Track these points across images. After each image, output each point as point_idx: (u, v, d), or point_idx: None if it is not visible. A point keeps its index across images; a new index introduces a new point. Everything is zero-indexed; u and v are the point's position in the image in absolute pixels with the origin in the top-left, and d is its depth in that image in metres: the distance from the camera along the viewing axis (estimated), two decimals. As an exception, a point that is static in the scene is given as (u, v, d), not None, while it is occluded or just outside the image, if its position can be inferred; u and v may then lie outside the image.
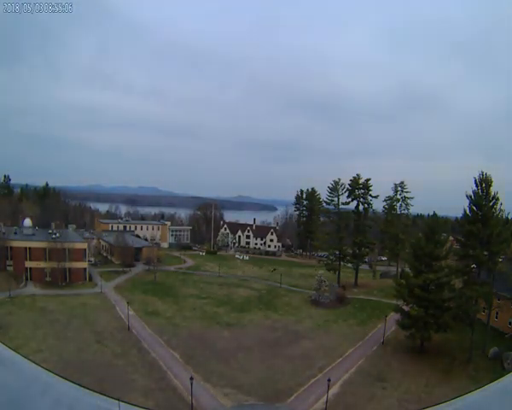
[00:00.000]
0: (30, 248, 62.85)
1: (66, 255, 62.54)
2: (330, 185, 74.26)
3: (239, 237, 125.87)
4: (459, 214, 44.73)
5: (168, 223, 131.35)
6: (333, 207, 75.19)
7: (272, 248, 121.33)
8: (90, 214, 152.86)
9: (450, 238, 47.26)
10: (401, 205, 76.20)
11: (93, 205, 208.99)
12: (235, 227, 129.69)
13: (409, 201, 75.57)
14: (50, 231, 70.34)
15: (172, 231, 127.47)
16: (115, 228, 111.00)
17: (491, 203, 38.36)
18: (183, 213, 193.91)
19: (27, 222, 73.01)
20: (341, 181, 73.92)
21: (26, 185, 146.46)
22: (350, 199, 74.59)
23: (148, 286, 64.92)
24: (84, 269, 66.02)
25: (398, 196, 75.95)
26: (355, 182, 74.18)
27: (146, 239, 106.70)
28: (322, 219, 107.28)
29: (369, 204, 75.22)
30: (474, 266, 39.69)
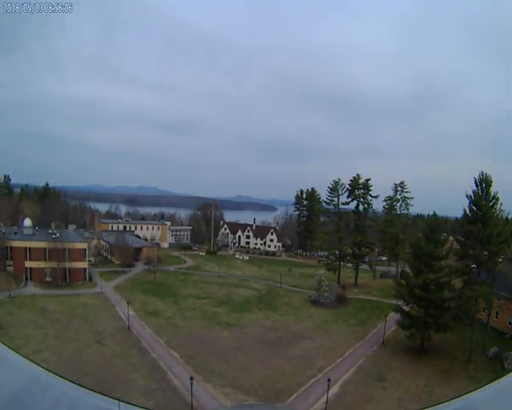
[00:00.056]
0: (30, 248, 62.90)
1: (66, 255, 62.59)
2: (330, 185, 74.34)
3: (239, 237, 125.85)
4: (459, 214, 44.82)
5: (168, 223, 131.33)
6: (333, 207, 75.23)
7: (272, 248, 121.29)
8: (90, 214, 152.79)
9: (450, 238, 47.22)
10: (401, 205, 76.26)
11: (93, 205, 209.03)
12: (235, 227, 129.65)
13: (409, 201, 75.63)
14: (50, 231, 70.32)
15: (172, 231, 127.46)
16: (115, 228, 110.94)
17: (491, 203, 38.40)
18: (183, 213, 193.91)
19: (27, 222, 73.02)
20: (341, 181, 74.12)
21: (26, 185, 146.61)
22: (350, 199, 74.67)
23: (148, 286, 64.93)
24: (84, 269, 66.06)
25: (398, 196, 75.98)
26: (355, 182, 74.22)
27: (146, 239, 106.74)
28: (322, 219, 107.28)
29: (369, 204, 75.29)
30: (473, 266, 39.71)
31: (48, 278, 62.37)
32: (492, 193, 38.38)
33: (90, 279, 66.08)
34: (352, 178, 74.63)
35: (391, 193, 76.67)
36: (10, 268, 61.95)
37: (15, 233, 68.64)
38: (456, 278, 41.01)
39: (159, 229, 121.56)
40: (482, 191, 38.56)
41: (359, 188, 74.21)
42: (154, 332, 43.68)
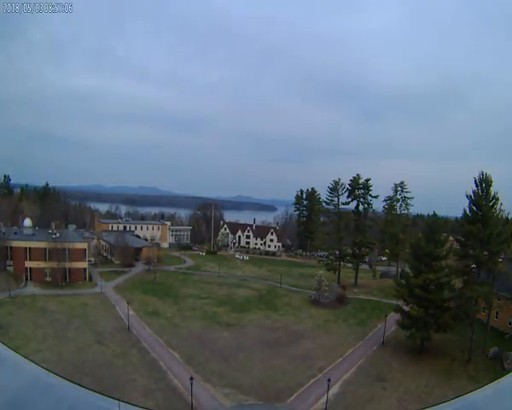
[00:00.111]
0: (30, 248, 62.88)
1: (66, 255, 62.58)
2: (330, 185, 74.35)
3: (239, 237, 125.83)
4: (459, 214, 44.83)
5: (168, 223, 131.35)
6: (333, 207, 75.24)
7: (272, 248, 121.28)
8: (90, 214, 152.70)
9: (450, 238, 47.23)
10: (401, 205, 76.25)
11: (93, 205, 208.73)
12: (235, 227, 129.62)
13: (409, 201, 75.62)
14: (50, 231, 70.30)
15: (172, 231, 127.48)
16: (115, 228, 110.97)
17: (491, 203, 38.39)
18: (183, 213, 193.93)
19: (27, 222, 73.00)
20: (341, 181, 74.13)
21: (26, 185, 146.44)
22: (350, 199, 74.69)
23: (147, 286, 64.93)
24: (84, 269, 66.05)
25: (398, 196, 75.97)
26: (355, 182, 74.23)
27: (146, 239, 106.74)
28: (322, 219, 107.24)
29: (369, 204, 75.32)
30: (474, 266, 39.71)
31: (48, 278, 62.35)
32: (492, 193, 38.38)
33: (90, 279, 66.07)
34: (351, 178, 74.67)
35: (391, 193, 76.76)
36: (10, 268, 61.95)
37: (15, 233, 68.64)
38: (456, 278, 41.00)
39: (159, 229, 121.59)
40: (482, 191, 38.56)
41: (359, 188, 74.23)
42: (154, 332, 43.68)
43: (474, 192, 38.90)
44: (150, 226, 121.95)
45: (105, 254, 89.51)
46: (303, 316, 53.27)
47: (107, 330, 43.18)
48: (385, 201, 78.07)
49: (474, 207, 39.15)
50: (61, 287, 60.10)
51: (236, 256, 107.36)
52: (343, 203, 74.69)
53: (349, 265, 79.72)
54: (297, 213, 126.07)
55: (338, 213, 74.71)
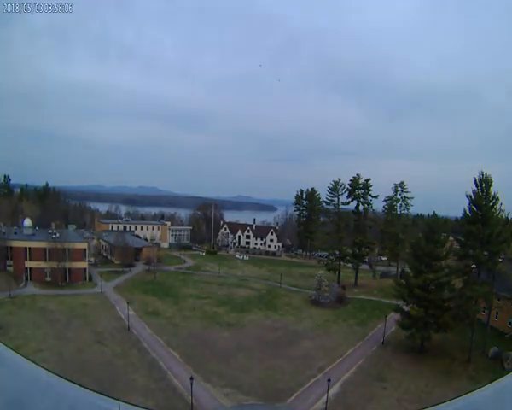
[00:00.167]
0: (30, 248, 62.91)
1: (66, 255, 62.58)
2: (330, 185, 74.37)
3: (239, 237, 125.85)
4: (459, 214, 44.85)
5: (168, 223, 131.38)
6: (333, 207, 75.26)
7: (272, 249, 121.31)
8: (90, 214, 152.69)
9: (450, 238, 47.24)
10: (401, 205, 76.29)
11: (93, 205, 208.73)
12: (235, 227, 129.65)
13: (409, 201, 75.68)
14: (50, 231, 70.35)
15: (172, 231, 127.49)
16: (115, 228, 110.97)
17: (491, 203, 38.41)
18: (183, 213, 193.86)
19: (27, 222, 72.99)
20: (341, 181, 74.16)
21: (26, 185, 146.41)
22: (350, 199, 74.71)
23: (147, 286, 64.93)
24: (84, 269, 66.06)
25: (398, 196, 76.02)
26: (355, 182, 74.25)
27: (146, 239, 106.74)
28: (322, 219, 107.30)
29: (369, 204, 75.32)
30: (474, 266, 39.74)
31: (48, 278, 62.36)
32: (492, 193, 38.40)
33: (90, 279, 66.08)
34: (351, 178, 74.68)
35: (391, 193, 76.80)
36: (10, 268, 61.97)
37: (15, 233, 68.64)
38: (456, 278, 41.00)
39: (159, 229, 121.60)
40: (482, 191, 38.58)
41: (359, 188, 74.24)
42: (154, 332, 43.68)
43: (474, 192, 38.92)
44: (150, 226, 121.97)
45: (105, 254, 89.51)
46: (303, 316, 53.27)
47: (107, 330, 43.18)
48: (385, 201, 78.21)
49: (474, 207, 39.17)
50: (61, 287, 60.11)
51: (236, 256, 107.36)
52: (343, 203, 74.76)
53: (349, 265, 79.72)
54: (297, 213, 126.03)
55: (338, 213, 74.73)
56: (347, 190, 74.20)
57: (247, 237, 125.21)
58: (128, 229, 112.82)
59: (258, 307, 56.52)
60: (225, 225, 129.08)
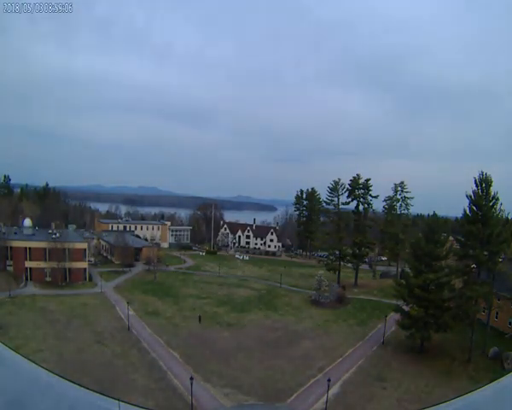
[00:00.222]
0: (30, 248, 62.90)
1: (66, 255, 62.58)
2: (330, 185, 74.37)
3: (239, 237, 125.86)
4: (459, 214, 44.84)
5: (168, 223, 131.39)
6: (333, 207, 75.26)
7: (272, 248, 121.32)
8: (90, 214, 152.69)
9: (450, 238, 47.23)
10: (401, 205, 76.28)
11: (93, 205, 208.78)
12: (235, 227, 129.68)
13: (409, 201, 75.65)
14: (50, 231, 70.36)
15: (172, 231, 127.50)
16: (115, 228, 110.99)
17: (491, 203, 38.41)
18: (183, 213, 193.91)
19: (27, 222, 73.00)
20: (341, 181, 74.16)
21: (26, 185, 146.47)
22: (350, 199, 74.71)
23: (147, 286, 64.93)
24: (84, 269, 66.05)
25: (398, 196, 76.00)
26: (355, 182, 74.24)
27: (146, 239, 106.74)
28: (322, 219, 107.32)
29: (369, 204, 75.32)
30: (474, 266, 39.73)
31: (48, 278, 62.36)
32: (492, 193, 38.40)
33: (90, 279, 66.07)
34: (351, 178, 74.68)
35: (391, 193, 76.78)
36: (10, 268, 61.96)
37: (15, 233, 68.63)
38: (456, 278, 41.01)
39: (159, 229, 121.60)
40: (482, 191, 38.57)
41: (359, 188, 74.24)
42: (154, 332, 43.68)
43: (474, 192, 38.92)
44: (150, 226, 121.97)
45: (105, 254, 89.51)
46: (303, 316, 53.27)
47: (107, 330, 43.17)
48: (385, 201, 78.19)
49: (474, 207, 39.17)
50: (61, 287, 60.10)
51: (236, 256, 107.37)
52: (343, 203, 74.78)
53: (349, 265, 79.74)
54: (297, 213, 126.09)
55: (338, 213, 74.73)
56: (347, 190, 74.21)
57: (247, 237, 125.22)
58: (128, 229, 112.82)
59: (258, 307, 56.52)
60: (225, 225, 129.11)
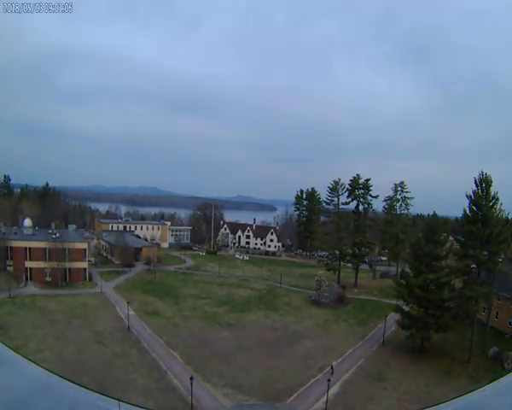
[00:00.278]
0: (30, 248, 62.89)
1: (66, 255, 62.59)
2: (330, 185, 74.35)
3: (239, 237, 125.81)
4: (459, 214, 44.83)
5: (168, 223, 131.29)
6: (333, 207, 75.24)
7: (272, 249, 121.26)
8: (90, 214, 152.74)
9: (450, 238, 47.24)
10: (401, 205, 76.27)
11: (93, 205, 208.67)
12: (235, 227, 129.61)
13: (409, 201, 75.65)
14: (50, 231, 70.38)
15: (172, 231, 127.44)
16: (115, 228, 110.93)
17: (491, 203, 38.41)
18: (183, 213, 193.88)
19: (27, 222, 73.04)
20: (341, 181, 74.17)
21: (26, 185, 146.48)
22: (350, 199, 74.69)
23: (147, 286, 64.92)
24: (84, 269, 66.04)
25: (398, 196, 76.00)
26: (355, 182, 74.23)
27: (146, 239, 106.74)
28: (322, 219, 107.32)
29: (369, 204, 75.32)
30: (474, 266, 39.73)
31: (48, 278, 62.35)
32: (492, 193, 38.40)
33: (90, 279, 66.06)
34: (352, 178, 74.67)
35: (391, 193, 76.79)
36: (10, 268, 61.96)
37: (15, 233, 68.64)
38: (456, 278, 41.02)
39: (159, 229, 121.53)
40: (482, 191, 38.58)
41: (359, 188, 74.23)
42: (154, 332, 43.67)
43: (474, 192, 38.92)
44: (150, 226, 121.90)
45: (105, 254, 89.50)
46: (303, 316, 53.27)
47: (107, 330, 43.17)
48: (385, 201, 78.19)
49: (474, 208, 39.17)
50: (61, 287, 60.10)
51: (236, 256, 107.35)
52: (343, 203, 74.74)
53: (349, 265, 79.71)
54: (297, 213, 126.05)
55: (338, 213, 74.70)
56: (347, 190, 74.19)
57: (247, 237, 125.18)
58: (128, 229, 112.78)
59: (258, 307, 56.51)
60: (225, 225, 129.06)
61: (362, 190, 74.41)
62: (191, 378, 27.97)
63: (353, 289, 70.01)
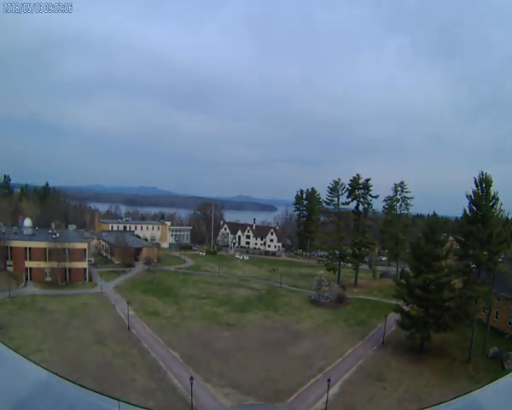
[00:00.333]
0: (30, 248, 62.91)
1: (66, 255, 62.56)
2: (330, 185, 74.37)
3: (239, 237, 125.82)
4: (459, 214, 44.86)
5: (168, 223, 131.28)
6: (333, 207, 75.25)
7: (272, 249, 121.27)
8: (90, 214, 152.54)
9: (450, 238, 47.26)
10: (401, 205, 76.28)
11: (93, 205, 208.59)
12: (235, 227, 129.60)
13: (409, 201, 75.64)
14: (50, 231, 70.40)
15: (172, 231, 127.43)
16: (115, 228, 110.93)
17: (491, 203, 38.43)
18: (183, 213, 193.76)
19: (27, 222, 73.01)
20: (341, 181, 74.19)
21: (26, 185, 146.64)
22: (350, 199, 74.70)
23: (147, 286, 64.92)
24: (84, 269, 66.04)
25: (398, 196, 76.00)
26: (355, 182, 74.25)
27: (146, 239, 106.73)
28: (322, 219, 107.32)
29: (369, 204, 75.33)
30: (473, 266, 39.75)
31: (48, 278, 62.35)
32: (492, 193, 38.43)
33: (90, 279, 66.06)
34: (351, 178, 74.69)
35: (391, 193, 76.79)
36: (10, 268, 61.98)
37: (15, 233, 68.64)
38: (456, 278, 41.05)
39: (159, 229, 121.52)
40: (482, 191, 38.60)
41: (359, 188, 74.24)
42: (154, 332, 43.67)
43: (474, 192, 38.94)
44: (150, 226, 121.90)
45: (105, 254, 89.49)
46: (303, 316, 53.27)
47: (107, 330, 43.18)
48: (385, 201, 78.21)
49: (474, 208, 39.20)
50: (61, 287, 60.10)
51: (236, 256, 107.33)
52: (343, 203, 74.74)
53: (349, 265, 79.69)
54: (297, 213, 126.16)
55: (338, 213, 74.69)
56: (347, 190, 74.20)
57: (247, 237, 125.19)
58: (128, 229, 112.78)
59: (258, 307, 56.51)
60: (225, 225, 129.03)
61: (362, 190, 74.43)
62: (191, 378, 27.98)
63: (353, 289, 70.01)
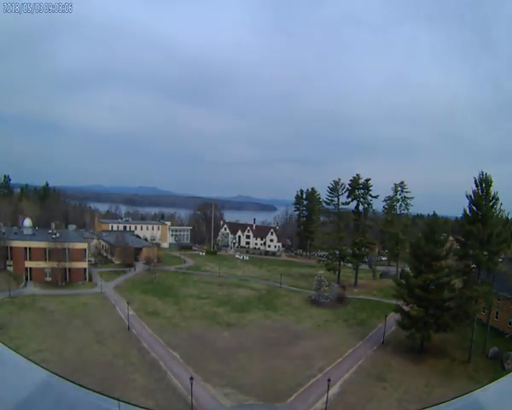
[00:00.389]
0: (30, 248, 62.92)
1: (66, 255, 62.57)
2: (330, 185, 74.38)
3: (239, 237, 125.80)
4: (459, 214, 44.87)
5: (168, 223, 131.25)
6: (333, 207, 75.25)
7: (272, 249, 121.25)
8: (90, 214, 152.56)
9: (450, 238, 47.26)
10: (401, 205, 76.25)
11: (93, 205, 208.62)
12: (235, 227, 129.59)
13: (409, 201, 75.61)
14: (50, 231, 70.41)
15: (172, 231, 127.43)
16: (115, 228, 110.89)
17: (491, 203, 38.43)
18: (183, 213, 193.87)
19: (27, 222, 73.02)
20: (341, 181, 74.18)
21: (26, 185, 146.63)
22: (350, 199, 74.67)
23: (147, 286, 64.92)
24: (84, 269, 66.04)
25: (398, 196, 75.98)
26: (355, 182, 74.23)
27: (146, 239, 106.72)
28: (322, 219, 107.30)
29: (369, 204, 75.30)
30: (473, 266, 39.74)
31: (48, 278, 62.36)
32: (492, 193, 38.43)
33: (90, 279, 66.06)
34: (352, 178, 74.68)
35: (391, 193, 76.78)
36: (10, 268, 61.99)
37: (15, 233, 68.66)
38: (456, 278, 41.05)
39: (159, 229, 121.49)
40: (482, 191, 38.59)
41: (359, 188, 74.22)
42: (154, 332, 43.67)
43: (474, 192, 38.94)
44: (150, 226, 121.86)
45: (105, 254, 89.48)
46: (303, 316, 53.27)
47: (107, 330, 43.18)
48: (385, 201, 78.17)
49: (474, 208, 39.20)
50: (61, 287, 60.11)
51: (236, 256, 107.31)
52: (343, 203, 74.72)
53: (349, 265, 79.71)
54: (297, 213, 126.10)
55: (338, 213, 74.69)
56: (347, 190, 74.19)
57: (247, 237, 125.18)
58: (128, 229, 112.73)
59: (258, 307, 56.52)
60: (225, 225, 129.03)
61: (362, 190, 74.41)
62: (191, 378, 27.98)
63: (353, 289, 70.01)
